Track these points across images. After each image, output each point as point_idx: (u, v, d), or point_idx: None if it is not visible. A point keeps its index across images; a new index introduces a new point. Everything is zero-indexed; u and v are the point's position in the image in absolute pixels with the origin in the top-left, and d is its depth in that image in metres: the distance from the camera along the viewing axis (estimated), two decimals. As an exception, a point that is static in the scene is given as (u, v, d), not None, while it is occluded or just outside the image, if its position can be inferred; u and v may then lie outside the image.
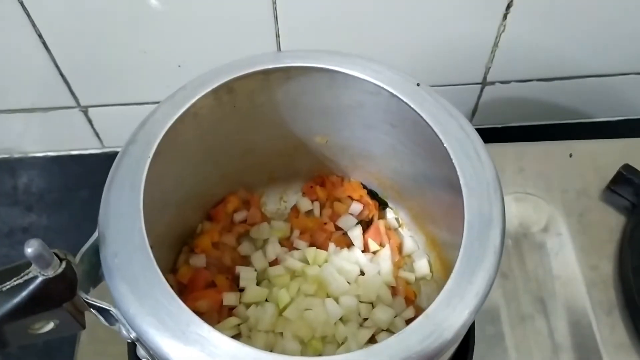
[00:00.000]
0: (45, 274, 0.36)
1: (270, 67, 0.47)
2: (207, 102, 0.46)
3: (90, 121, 0.74)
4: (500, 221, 0.39)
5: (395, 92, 0.45)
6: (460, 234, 0.39)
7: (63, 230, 0.72)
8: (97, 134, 0.77)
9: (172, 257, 0.56)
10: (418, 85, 0.45)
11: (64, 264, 0.36)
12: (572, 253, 0.65)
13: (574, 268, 0.63)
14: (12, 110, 0.73)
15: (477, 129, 0.77)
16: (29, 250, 0.34)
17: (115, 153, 0.75)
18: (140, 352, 0.41)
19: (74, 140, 0.78)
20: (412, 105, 0.44)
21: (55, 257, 0.36)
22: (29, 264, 0.36)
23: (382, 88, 0.45)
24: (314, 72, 0.48)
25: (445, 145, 0.42)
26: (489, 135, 0.77)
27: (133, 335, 0.37)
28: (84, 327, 0.40)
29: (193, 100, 0.44)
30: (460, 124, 0.43)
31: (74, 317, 0.39)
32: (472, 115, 0.79)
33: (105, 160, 0.77)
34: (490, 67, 0.70)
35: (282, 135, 0.55)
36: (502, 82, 0.73)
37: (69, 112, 0.73)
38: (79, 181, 0.76)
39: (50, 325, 0.39)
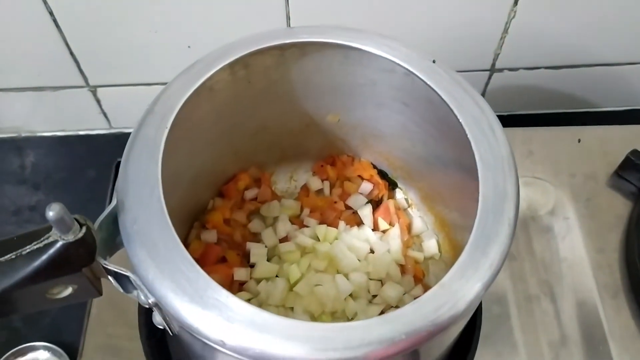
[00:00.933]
0: (66, 238, 0.36)
1: (286, 42, 0.47)
2: (223, 77, 0.46)
3: (98, 101, 0.75)
4: (515, 195, 0.40)
5: (410, 69, 0.45)
6: (470, 215, 0.39)
7: (70, 209, 0.71)
8: (105, 114, 0.77)
9: (184, 232, 0.57)
10: (434, 62, 0.46)
11: (84, 229, 0.37)
12: (579, 237, 0.65)
13: (581, 251, 0.64)
14: (22, 89, 0.73)
15: None
16: (50, 214, 0.35)
17: (123, 134, 0.78)
18: (157, 319, 0.42)
19: (81, 120, 0.78)
20: (427, 82, 0.45)
21: (76, 222, 0.37)
22: (49, 229, 0.37)
23: (398, 64, 0.46)
24: (328, 49, 0.48)
25: (460, 120, 0.43)
26: None
27: (152, 300, 0.38)
28: (100, 293, 0.41)
29: (210, 74, 0.45)
30: (475, 100, 0.44)
31: (91, 283, 0.39)
32: None
33: (113, 141, 0.78)
34: (499, 54, 0.71)
35: (294, 113, 0.56)
36: (510, 70, 0.73)
37: (77, 92, 0.73)
38: (87, 161, 0.77)
39: (68, 290, 0.39)
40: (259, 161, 0.60)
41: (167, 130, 0.42)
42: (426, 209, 0.60)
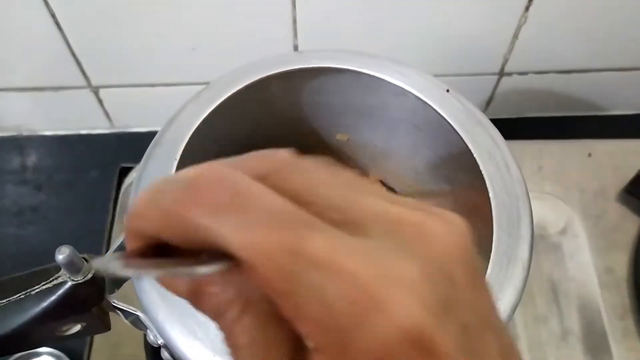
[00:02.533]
0: (75, 279, 0.36)
1: (297, 67, 0.46)
2: (232, 103, 0.45)
3: (100, 101, 0.74)
4: (529, 237, 0.39)
5: (423, 98, 0.45)
6: (482, 235, 0.39)
7: (73, 210, 0.72)
8: (107, 114, 0.76)
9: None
10: (447, 91, 0.45)
11: (93, 270, 0.36)
12: (588, 255, 0.65)
13: (590, 271, 0.64)
14: (22, 89, 0.72)
15: (491, 120, 0.78)
16: (60, 257, 0.34)
17: (125, 133, 0.78)
18: (165, 354, 0.41)
19: (83, 119, 0.77)
20: (441, 113, 0.44)
21: (85, 262, 0.36)
22: (58, 268, 0.36)
23: (412, 94, 0.45)
24: (339, 73, 0.47)
25: (474, 155, 0.42)
26: (504, 125, 0.77)
27: (161, 341, 0.37)
28: (109, 328, 0.41)
29: (219, 101, 0.44)
30: (490, 133, 0.43)
31: (100, 320, 0.39)
32: (486, 106, 0.78)
33: (115, 140, 0.77)
34: (508, 59, 0.70)
35: (303, 131, 0.55)
36: (519, 74, 0.72)
37: (79, 92, 0.72)
38: (88, 161, 0.76)
39: (76, 327, 0.39)
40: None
41: (176, 162, 0.41)
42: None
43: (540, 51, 0.69)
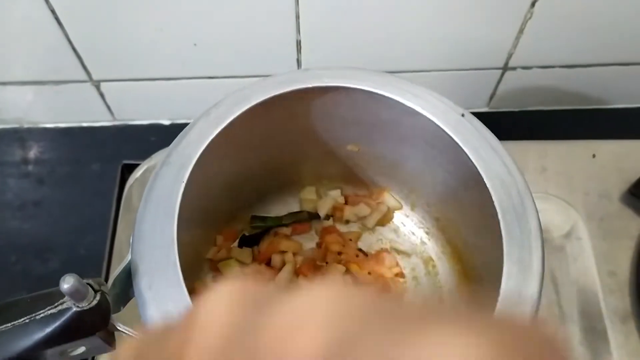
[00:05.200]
0: (80, 306, 0.36)
1: (309, 86, 0.45)
2: (242, 120, 0.44)
3: (102, 95, 0.73)
4: (540, 271, 0.39)
5: (437, 122, 0.44)
6: (489, 255, 0.38)
7: (76, 204, 0.72)
8: (108, 108, 0.75)
9: (195, 273, 0.56)
10: (462, 115, 0.44)
11: (98, 296, 0.36)
12: (592, 259, 0.64)
13: (592, 274, 0.63)
14: (22, 82, 0.71)
15: (493, 113, 0.78)
16: (65, 287, 0.34)
17: (127, 126, 0.77)
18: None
19: (84, 112, 0.76)
20: (454, 138, 0.43)
21: (90, 289, 0.36)
22: (62, 294, 0.36)
23: (426, 118, 0.44)
24: (353, 91, 0.46)
25: (487, 184, 0.41)
26: (506, 119, 0.77)
27: (165, 368, 0.37)
28: (114, 348, 0.41)
29: (229, 120, 0.43)
30: (504, 161, 0.42)
31: (105, 341, 0.39)
32: (489, 99, 0.77)
33: (117, 133, 0.77)
34: (512, 53, 0.69)
35: (313, 142, 0.54)
36: (523, 68, 0.71)
37: (80, 86, 0.71)
38: (90, 154, 0.75)
39: (81, 349, 0.39)
40: (274, 194, 0.59)
41: (183, 185, 0.40)
42: (444, 240, 0.59)
43: (545, 46, 0.68)
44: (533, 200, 0.41)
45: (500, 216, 0.40)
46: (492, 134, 0.44)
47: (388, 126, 0.50)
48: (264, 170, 0.55)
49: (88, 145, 0.76)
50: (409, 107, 0.45)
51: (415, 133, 0.49)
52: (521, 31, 0.65)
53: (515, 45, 0.67)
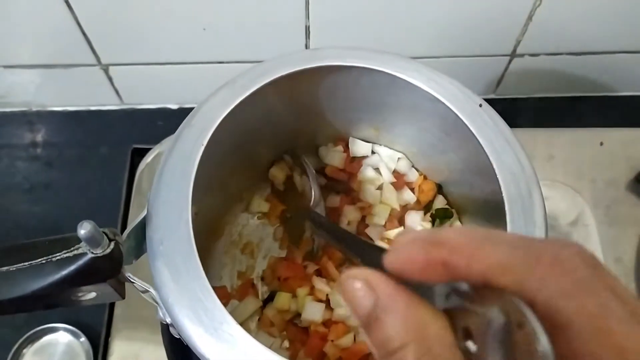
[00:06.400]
0: (95, 252, 0.37)
1: (334, 64, 0.46)
2: (265, 93, 0.45)
3: (110, 79, 0.73)
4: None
5: (454, 110, 0.44)
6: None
7: (84, 188, 0.72)
8: (117, 92, 0.76)
9: (210, 240, 0.57)
10: (480, 106, 0.44)
11: (112, 245, 0.38)
12: (598, 245, 0.64)
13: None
14: (31, 66, 0.71)
15: (500, 99, 0.78)
16: (82, 232, 0.36)
17: (135, 110, 0.78)
18: (173, 330, 0.43)
19: (93, 96, 0.77)
20: (470, 127, 0.44)
21: (105, 237, 0.38)
22: (79, 239, 0.38)
23: (443, 104, 0.45)
24: (376, 73, 0.47)
25: (498, 177, 0.42)
26: (512, 105, 0.77)
27: (168, 320, 0.39)
28: (123, 297, 0.42)
29: (254, 88, 0.44)
30: (517, 156, 0.43)
31: (115, 290, 0.41)
32: (496, 86, 0.78)
33: (125, 117, 0.78)
34: (521, 40, 0.69)
35: (333, 122, 0.55)
36: (531, 55, 0.72)
37: (89, 70, 0.71)
38: (98, 138, 0.76)
39: (92, 294, 0.41)
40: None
41: (202, 147, 0.42)
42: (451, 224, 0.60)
43: (553, 33, 0.68)
44: (542, 195, 0.41)
45: (507, 207, 0.41)
46: (507, 126, 0.44)
47: (407, 111, 0.51)
48: (281, 143, 0.56)
49: (96, 129, 0.77)
50: (429, 94, 0.45)
51: (433, 121, 0.50)
52: (530, 18, 0.65)
53: (523, 32, 0.67)
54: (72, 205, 0.71)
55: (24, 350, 0.61)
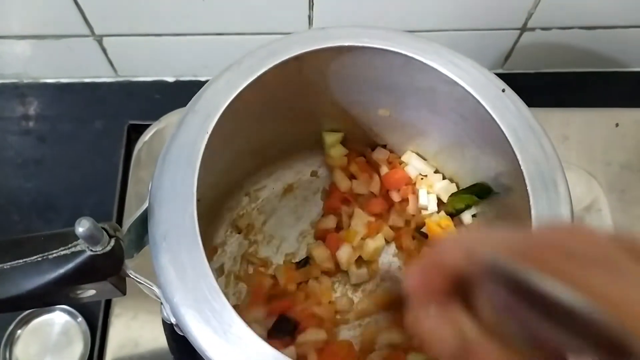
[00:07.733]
0: (94, 250, 0.35)
1: (347, 44, 0.43)
2: (273, 74, 0.43)
3: (104, 50, 0.70)
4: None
5: (477, 96, 0.42)
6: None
7: (78, 163, 0.69)
8: (111, 63, 0.72)
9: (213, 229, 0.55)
10: (503, 91, 0.42)
11: (112, 242, 0.36)
12: (611, 230, 0.63)
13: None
14: (21, 36, 0.68)
15: (508, 74, 0.75)
16: (80, 230, 0.33)
17: (130, 82, 0.74)
18: (178, 329, 0.41)
19: (86, 68, 0.73)
20: (492, 114, 0.41)
21: (105, 234, 0.35)
22: (77, 235, 0.35)
23: (465, 89, 0.42)
24: (391, 54, 0.44)
25: (522, 167, 0.39)
26: (521, 80, 0.73)
27: (174, 320, 0.37)
28: (124, 293, 0.40)
29: (262, 71, 0.41)
30: (541, 142, 0.40)
31: (115, 287, 0.39)
32: (505, 60, 0.75)
33: (119, 90, 0.74)
34: (532, 14, 0.66)
35: (343, 104, 0.52)
36: (542, 29, 0.69)
37: (82, 41, 0.68)
38: (92, 111, 0.72)
39: (91, 292, 0.39)
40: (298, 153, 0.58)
41: (207, 136, 0.39)
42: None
43: (566, 6, 0.66)
44: (567, 187, 0.39)
45: (532, 202, 0.38)
46: (531, 113, 0.42)
47: (422, 94, 0.48)
48: (289, 128, 0.53)
49: (90, 102, 0.73)
50: (447, 76, 0.43)
51: (449, 104, 0.47)
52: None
53: (535, 5, 0.64)
54: (66, 181, 0.68)
55: (19, 331, 0.59)
